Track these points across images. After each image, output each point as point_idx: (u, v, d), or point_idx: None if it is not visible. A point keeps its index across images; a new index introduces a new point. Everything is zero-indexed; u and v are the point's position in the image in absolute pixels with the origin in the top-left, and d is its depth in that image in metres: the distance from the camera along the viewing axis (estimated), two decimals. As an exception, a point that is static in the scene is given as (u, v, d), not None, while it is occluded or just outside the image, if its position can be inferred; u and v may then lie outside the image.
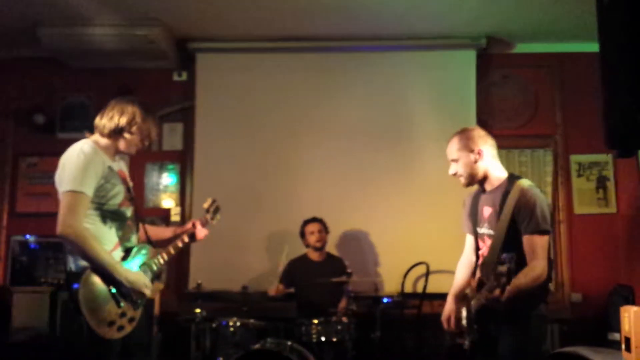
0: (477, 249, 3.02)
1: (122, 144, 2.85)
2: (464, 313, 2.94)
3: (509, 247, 2.72)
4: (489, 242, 2.91)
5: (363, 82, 5.35)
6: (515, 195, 2.77)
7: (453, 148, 2.94)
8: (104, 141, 2.83)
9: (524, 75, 5.43)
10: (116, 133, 2.82)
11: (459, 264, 3.23)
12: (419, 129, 5.27)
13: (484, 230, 2.95)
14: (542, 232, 2.73)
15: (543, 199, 2.80)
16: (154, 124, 2.91)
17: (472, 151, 2.89)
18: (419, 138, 5.25)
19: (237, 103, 5.38)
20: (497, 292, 2.43)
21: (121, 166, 2.94)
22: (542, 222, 2.73)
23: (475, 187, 3.04)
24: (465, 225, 3.15)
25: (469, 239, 3.17)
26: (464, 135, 2.94)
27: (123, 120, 2.80)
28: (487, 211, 2.93)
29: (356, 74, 5.36)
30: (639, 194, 4.71)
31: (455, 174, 2.96)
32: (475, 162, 2.89)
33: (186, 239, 3.17)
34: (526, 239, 2.73)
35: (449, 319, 3.05)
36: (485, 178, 2.93)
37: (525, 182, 2.85)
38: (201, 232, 3.26)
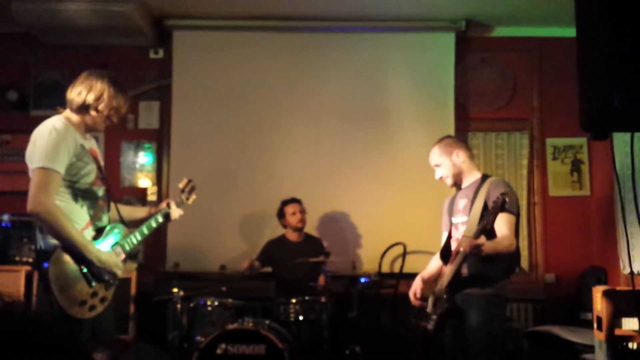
0: (450, 237, 3.36)
1: (89, 120, 2.79)
2: (430, 300, 3.26)
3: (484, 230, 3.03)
4: (462, 227, 3.21)
5: (342, 62, 5.33)
6: (487, 186, 3.19)
7: (435, 155, 3.36)
8: (75, 117, 2.78)
9: (503, 59, 5.45)
10: (83, 109, 2.76)
11: (435, 256, 3.52)
12: (398, 111, 5.28)
13: (457, 219, 3.30)
14: (510, 212, 3.08)
15: (511, 188, 3.23)
16: (124, 100, 2.84)
17: (451, 154, 3.31)
18: (397, 119, 5.27)
19: (215, 82, 5.33)
20: (482, 238, 2.89)
21: (92, 145, 2.88)
22: (510, 204, 3.05)
23: (453, 191, 3.46)
24: (444, 223, 3.49)
25: (445, 237, 3.46)
26: (443, 142, 3.38)
27: (90, 97, 2.74)
28: (462, 203, 3.29)
29: (335, 55, 5.34)
30: (612, 177, 4.79)
31: (441, 178, 3.36)
32: (455, 163, 3.30)
33: (160, 219, 3.13)
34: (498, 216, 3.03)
35: (415, 293, 3.39)
36: (463, 176, 3.34)
37: (496, 177, 3.33)
38: (175, 212, 3.21)
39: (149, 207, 3.27)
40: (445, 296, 3.12)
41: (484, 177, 3.31)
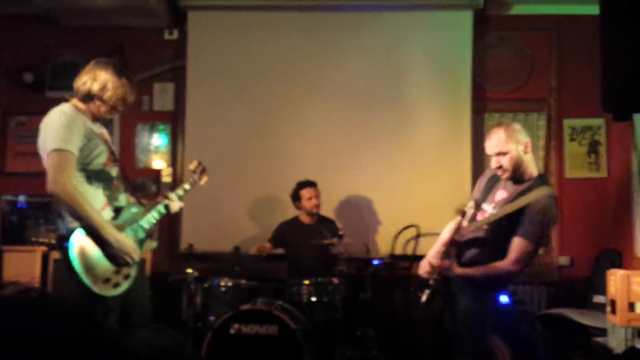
0: (475, 215, 3.10)
1: (94, 109, 2.80)
2: (424, 296, 3.06)
3: (501, 230, 2.88)
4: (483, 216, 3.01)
5: (358, 41, 5.28)
6: (534, 196, 2.85)
7: (500, 140, 2.92)
8: (81, 105, 2.80)
9: (521, 37, 5.36)
10: (88, 98, 2.78)
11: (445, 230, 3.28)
12: (414, 91, 5.22)
13: (487, 207, 3.03)
14: (531, 240, 2.84)
15: (554, 214, 2.93)
16: (130, 88, 2.84)
17: (519, 143, 2.92)
18: (413, 99, 5.21)
19: (230, 62, 5.30)
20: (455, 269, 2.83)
21: (102, 130, 2.90)
22: (540, 231, 2.86)
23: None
24: (475, 193, 3.21)
25: (472, 205, 3.22)
26: (510, 128, 2.96)
27: (95, 87, 2.75)
28: (500, 194, 3.01)
29: (351, 34, 5.28)
30: (630, 159, 4.72)
31: (500, 167, 2.94)
32: (520, 156, 2.92)
33: (163, 210, 3.06)
34: (515, 239, 2.84)
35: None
36: (523, 170, 2.98)
37: (549, 190, 2.96)
38: (175, 204, 3.11)
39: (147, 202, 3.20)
40: (435, 276, 2.98)
41: (540, 179, 2.99)
